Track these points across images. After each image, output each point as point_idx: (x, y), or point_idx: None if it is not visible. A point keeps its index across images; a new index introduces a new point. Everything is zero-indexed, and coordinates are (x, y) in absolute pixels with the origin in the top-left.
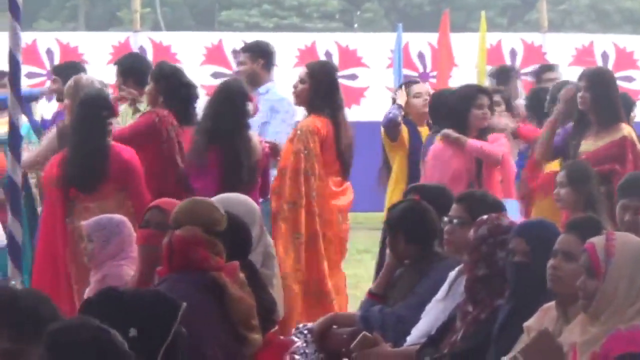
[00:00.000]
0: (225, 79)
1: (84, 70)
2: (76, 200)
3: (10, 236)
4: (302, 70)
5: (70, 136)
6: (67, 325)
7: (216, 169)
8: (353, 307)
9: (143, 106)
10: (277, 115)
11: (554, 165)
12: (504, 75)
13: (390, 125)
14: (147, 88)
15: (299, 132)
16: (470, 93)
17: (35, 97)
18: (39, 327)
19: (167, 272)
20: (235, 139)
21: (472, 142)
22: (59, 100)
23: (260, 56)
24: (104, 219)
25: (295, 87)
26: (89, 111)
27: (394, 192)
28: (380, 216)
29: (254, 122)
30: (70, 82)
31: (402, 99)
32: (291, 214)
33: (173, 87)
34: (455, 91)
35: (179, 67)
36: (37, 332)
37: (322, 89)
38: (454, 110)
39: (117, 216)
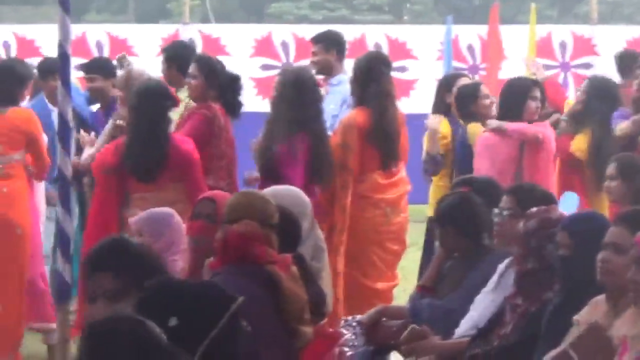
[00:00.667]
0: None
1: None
2: (132, 189)
3: (60, 229)
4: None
5: (130, 125)
6: (105, 318)
7: (305, 155)
8: (402, 299)
9: (184, 95)
10: (347, 107)
11: None
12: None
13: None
14: (194, 81)
15: (339, 125)
16: (526, 85)
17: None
18: (142, 275)
19: (220, 265)
20: (319, 124)
21: (512, 125)
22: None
23: (333, 46)
24: (153, 212)
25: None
26: (151, 101)
27: (438, 186)
28: (426, 209)
29: (327, 113)
30: (122, 73)
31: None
32: (331, 210)
33: (225, 81)
34: (509, 83)
35: (216, 59)
36: (138, 279)
37: (361, 79)
38: (509, 101)
39: (166, 209)
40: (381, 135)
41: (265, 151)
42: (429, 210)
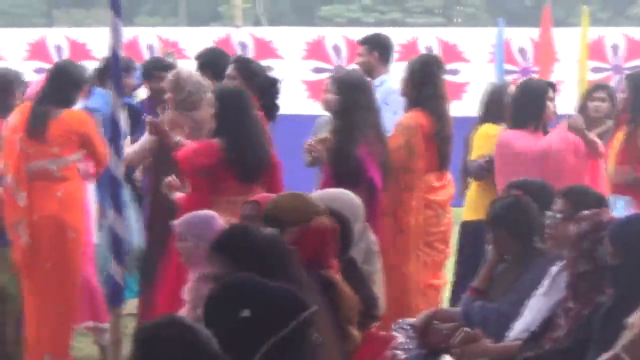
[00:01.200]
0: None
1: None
2: (223, 192)
3: (112, 232)
4: (405, 65)
5: (226, 126)
6: (156, 321)
7: (376, 158)
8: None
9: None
10: (388, 108)
11: None
12: None
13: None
14: (234, 84)
15: (399, 127)
16: (543, 86)
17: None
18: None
19: None
20: (382, 127)
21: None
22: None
23: (376, 48)
24: (195, 215)
25: (401, 82)
26: (240, 103)
27: (478, 190)
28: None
29: None
30: (171, 76)
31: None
32: (396, 211)
33: (263, 83)
34: (524, 85)
35: (256, 62)
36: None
37: (417, 81)
38: (529, 103)
39: (208, 212)
40: (440, 137)
41: (346, 155)
42: (464, 213)
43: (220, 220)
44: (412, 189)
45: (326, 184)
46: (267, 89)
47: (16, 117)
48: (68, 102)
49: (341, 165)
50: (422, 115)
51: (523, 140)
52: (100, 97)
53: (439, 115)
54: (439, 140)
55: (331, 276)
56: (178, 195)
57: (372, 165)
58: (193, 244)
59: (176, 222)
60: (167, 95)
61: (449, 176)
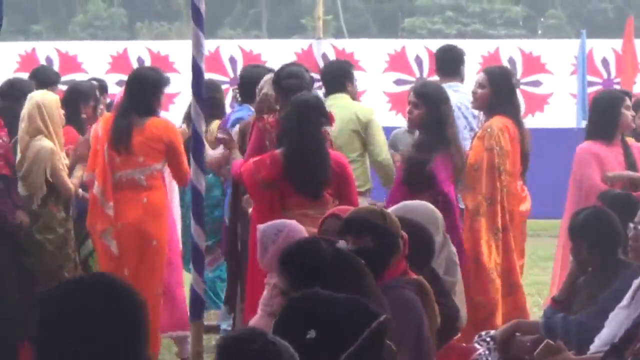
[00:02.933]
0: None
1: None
2: (294, 205)
3: (193, 245)
4: (481, 76)
5: (289, 138)
6: (237, 334)
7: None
8: (537, 314)
9: None
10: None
11: None
12: None
13: None
14: (264, 92)
15: (489, 130)
16: (618, 96)
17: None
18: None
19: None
20: (459, 137)
21: None
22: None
23: None
24: (270, 224)
25: (474, 92)
26: (309, 116)
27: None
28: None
29: None
30: (263, 88)
31: None
32: (490, 210)
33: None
34: (600, 96)
35: (295, 70)
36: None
37: (503, 93)
38: (603, 115)
39: (282, 222)
40: (525, 144)
41: (418, 167)
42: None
43: (287, 234)
44: (502, 189)
45: (398, 196)
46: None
47: (101, 127)
48: (150, 110)
49: (416, 179)
50: (506, 120)
51: (604, 152)
52: (247, 109)
53: (520, 123)
54: (526, 148)
55: (425, 284)
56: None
57: (447, 179)
58: (260, 252)
59: (259, 226)
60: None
61: (526, 189)
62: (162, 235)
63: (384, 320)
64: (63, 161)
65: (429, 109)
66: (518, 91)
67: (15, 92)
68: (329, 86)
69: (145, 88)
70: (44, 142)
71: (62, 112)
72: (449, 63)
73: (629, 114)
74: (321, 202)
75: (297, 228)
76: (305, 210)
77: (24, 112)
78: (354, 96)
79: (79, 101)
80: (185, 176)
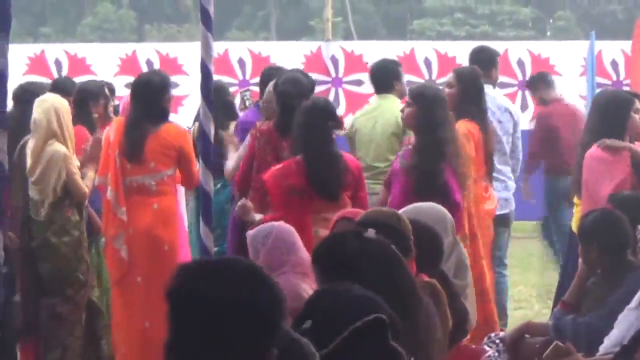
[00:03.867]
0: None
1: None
2: (316, 210)
3: (202, 246)
4: (450, 75)
5: (301, 145)
6: None
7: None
8: (546, 316)
9: None
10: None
11: None
12: None
13: None
14: (267, 97)
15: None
16: (627, 98)
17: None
18: None
19: None
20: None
21: None
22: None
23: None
24: (259, 229)
25: (442, 91)
26: (319, 120)
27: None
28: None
29: None
30: (270, 87)
31: None
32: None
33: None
34: (607, 97)
35: (296, 77)
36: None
37: (470, 94)
38: (611, 116)
39: (270, 226)
40: (488, 148)
41: (434, 170)
42: (573, 224)
43: (276, 236)
44: (468, 195)
45: (401, 198)
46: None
47: (113, 132)
48: (164, 116)
49: (426, 184)
50: (470, 124)
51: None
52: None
53: (485, 128)
54: (489, 152)
55: (437, 285)
56: (259, 216)
57: (454, 182)
58: (252, 256)
59: (248, 233)
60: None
61: (491, 189)
62: (173, 241)
63: (379, 319)
64: (76, 164)
65: (421, 110)
66: (527, 93)
67: (27, 95)
68: (377, 85)
69: (155, 94)
70: (56, 147)
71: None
72: (480, 65)
73: (637, 117)
74: (340, 205)
75: (286, 228)
76: (325, 214)
77: (37, 115)
78: (403, 94)
79: (89, 100)
80: (194, 181)
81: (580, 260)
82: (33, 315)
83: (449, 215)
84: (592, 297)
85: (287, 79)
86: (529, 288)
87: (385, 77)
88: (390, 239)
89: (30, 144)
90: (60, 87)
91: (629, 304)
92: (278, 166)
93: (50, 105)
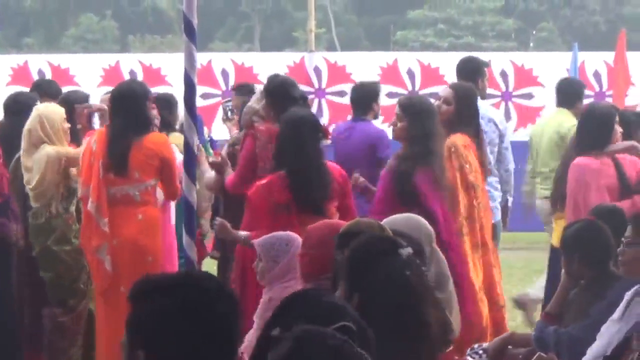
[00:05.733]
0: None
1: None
2: (302, 222)
3: (186, 257)
4: (447, 91)
5: (287, 159)
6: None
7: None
8: (529, 327)
9: None
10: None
11: None
12: None
13: None
14: (248, 104)
15: (453, 149)
16: (611, 111)
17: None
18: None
19: None
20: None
21: None
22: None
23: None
24: (273, 237)
25: (438, 106)
26: (306, 132)
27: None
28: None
29: None
30: (257, 94)
31: None
32: (470, 228)
33: (280, 101)
34: (593, 109)
35: (289, 80)
36: None
37: (466, 113)
38: (598, 128)
39: (287, 234)
40: (483, 161)
41: (403, 181)
42: (553, 238)
43: (297, 244)
44: (478, 205)
45: (381, 205)
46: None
47: (95, 142)
48: (149, 125)
49: (400, 192)
50: (465, 137)
51: (599, 166)
52: None
53: (480, 143)
54: (484, 165)
55: None
56: (244, 233)
57: (433, 193)
58: (267, 265)
59: (256, 242)
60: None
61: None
62: (157, 251)
63: (345, 326)
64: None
65: (412, 123)
66: (511, 104)
67: (17, 106)
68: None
69: (139, 103)
70: (47, 149)
71: (67, 125)
72: (467, 75)
73: (618, 129)
74: (326, 216)
75: (298, 240)
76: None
77: (25, 126)
78: (483, 94)
79: (72, 112)
80: (176, 192)
81: (562, 272)
82: (35, 325)
83: (426, 225)
84: (574, 308)
85: (283, 81)
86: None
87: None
88: None
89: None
90: (42, 87)
91: (612, 314)
92: (262, 182)
93: (37, 114)
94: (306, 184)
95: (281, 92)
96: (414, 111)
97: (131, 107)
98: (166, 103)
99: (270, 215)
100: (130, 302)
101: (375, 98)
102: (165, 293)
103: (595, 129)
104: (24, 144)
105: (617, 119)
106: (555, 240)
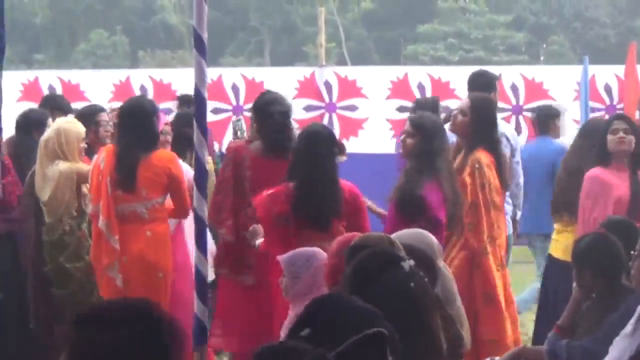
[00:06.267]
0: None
1: None
2: (307, 238)
3: (196, 271)
4: (464, 102)
5: (298, 172)
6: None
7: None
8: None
9: None
10: None
11: None
12: None
13: None
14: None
15: (477, 165)
16: (608, 120)
17: None
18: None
19: None
20: (452, 168)
21: None
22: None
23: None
24: (294, 254)
25: (454, 116)
26: (320, 147)
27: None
28: None
29: None
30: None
31: None
32: (492, 247)
33: (262, 116)
34: (590, 122)
35: (276, 95)
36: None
37: (483, 123)
38: (592, 139)
39: (310, 250)
40: (503, 177)
41: (409, 193)
42: (551, 248)
43: (321, 257)
44: (496, 225)
45: (391, 225)
46: (268, 124)
47: (103, 159)
48: (153, 142)
49: (406, 206)
50: (487, 154)
51: (613, 179)
52: None
53: (499, 159)
54: (504, 182)
55: None
56: (259, 241)
57: (440, 205)
58: (290, 282)
59: (280, 257)
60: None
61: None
62: (167, 268)
63: (379, 332)
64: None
65: (422, 140)
66: (522, 117)
67: (28, 123)
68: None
69: (148, 120)
70: (61, 165)
71: (83, 145)
72: (478, 89)
73: (612, 137)
74: (333, 235)
75: (322, 255)
76: (317, 243)
77: (43, 136)
78: None
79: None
80: (187, 209)
81: (574, 285)
82: (48, 343)
83: (435, 240)
84: (586, 321)
85: (265, 97)
86: (527, 312)
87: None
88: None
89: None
90: (52, 102)
91: (624, 327)
92: (269, 192)
93: (57, 127)
94: (307, 197)
95: (258, 107)
96: (424, 129)
97: (139, 123)
98: (190, 120)
99: (273, 226)
100: (73, 330)
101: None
102: (109, 324)
103: (591, 142)
104: (39, 154)
105: (614, 126)
106: (554, 250)
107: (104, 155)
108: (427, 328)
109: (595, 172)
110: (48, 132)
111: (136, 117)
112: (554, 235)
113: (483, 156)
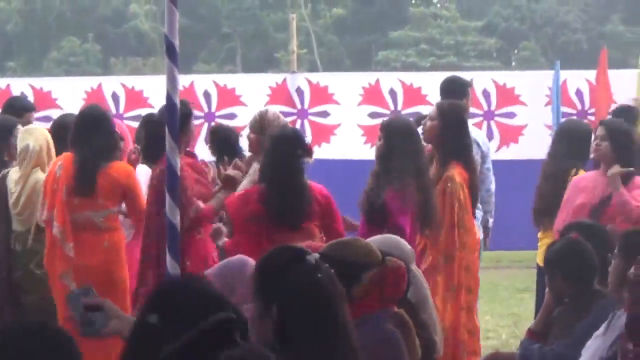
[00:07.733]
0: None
1: None
2: (279, 239)
3: (168, 275)
4: (432, 108)
5: (267, 173)
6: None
7: (413, 204)
8: (514, 345)
9: None
10: None
11: None
12: (628, 115)
13: None
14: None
15: (449, 184)
16: (588, 128)
17: None
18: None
19: (376, 308)
20: (428, 174)
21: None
22: None
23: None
24: (224, 266)
25: (424, 124)
26: (286, 149)
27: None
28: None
29: None
30: (256, 116)
31: None
32: (447, 267)
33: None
34: (570, 127)
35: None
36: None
37: (452, 127)
38: (577, 144)
39: (240, 259)
40: (474, 189)
41: (373, 200)
42: (538, 257)
43: (250, 265)
44: (460, 246)
45: (362, 229)
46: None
47: (60, 166)
48: (113, 152)
49: (369, 210)
50: (460, 169)
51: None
52: None
53: (471, 169)
54: (475, 193)
55: (405, 315)
56: (224, 240)
57: (402, 211)
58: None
59: (207, 272)
60: (251, 136)
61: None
62: (125, 276)
63: (228, 317)
64: None
65: (386, 142)
66: (493, 123)
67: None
68: None
69: (106, 129)
70: (39, 175)
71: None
72: (450, 95)
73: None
74: (304, 234)
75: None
76: (289, 242)
77: (32, 143)
78: (467, 114)
79: (67, 134)
80: (140, 220)
81: (546, 290)
82: None
83: (407, 244)
84: (559, 325)
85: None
86: (496, 318)
87: None
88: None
89: (14, 174)
90: (16, 105)
91: (597, 331)
92: (240, 192)
93: (44, 137)
94: (277, 198)
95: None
96: (387, 130)
97: (98, 133)
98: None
99: (244, 225)
100: None
101: None
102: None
103: (576, 145)
104: (22, 161)
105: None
106: (539, 259)
107: (61, 163)
108: (338, 316)
109: (578, 177)
110: (37, 141)
111: (97, 126)
112: (539, 243)
113: (457, 174)
